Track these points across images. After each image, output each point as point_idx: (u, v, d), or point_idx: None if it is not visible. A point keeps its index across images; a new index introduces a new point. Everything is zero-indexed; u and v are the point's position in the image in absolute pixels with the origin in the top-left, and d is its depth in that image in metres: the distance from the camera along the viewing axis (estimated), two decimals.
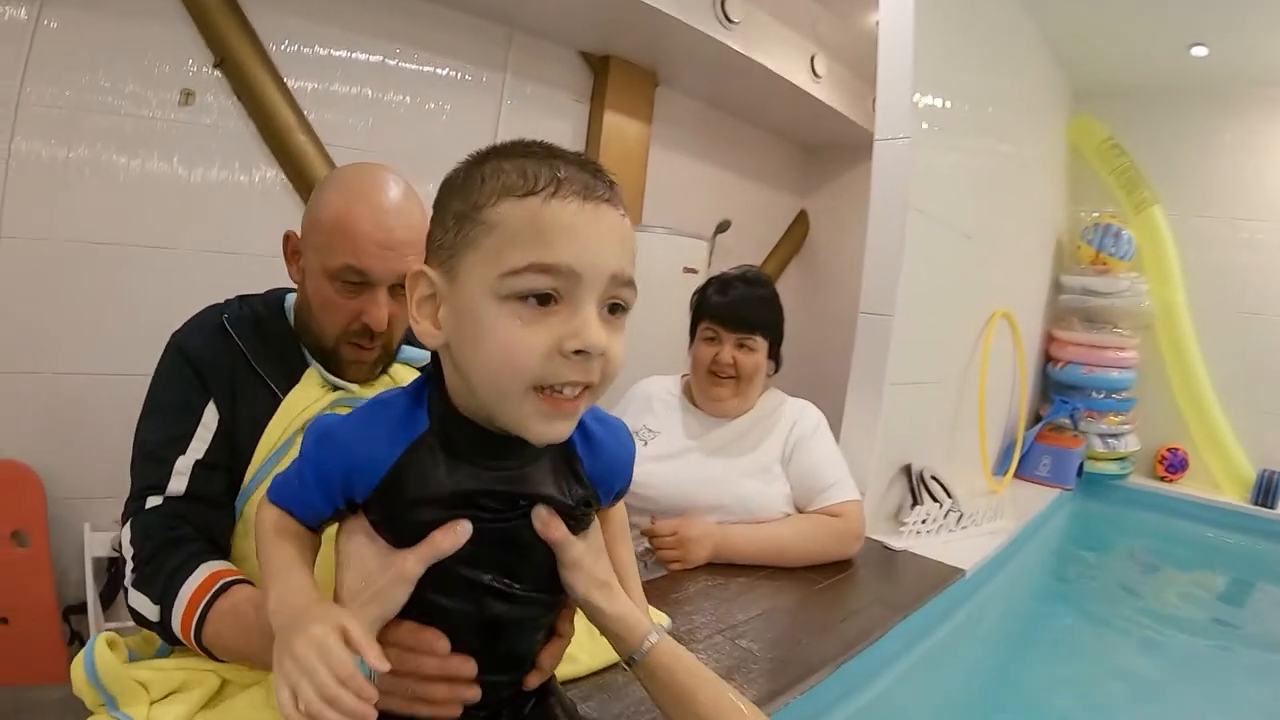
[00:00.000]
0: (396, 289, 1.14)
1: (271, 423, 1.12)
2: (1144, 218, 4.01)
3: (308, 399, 1.15)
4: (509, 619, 0.78)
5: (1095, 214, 4.10)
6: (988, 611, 2.22)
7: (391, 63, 3.35)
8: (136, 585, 1.03)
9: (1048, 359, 4.09)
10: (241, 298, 1.28)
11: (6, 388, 2.59)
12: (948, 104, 2.62)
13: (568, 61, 4.08)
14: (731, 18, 3.75)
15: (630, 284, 0.72)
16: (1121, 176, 4.09)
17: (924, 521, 2.22)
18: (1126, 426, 3.86)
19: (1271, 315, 3.87)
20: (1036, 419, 3.84)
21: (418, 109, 3.45)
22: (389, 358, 1.25)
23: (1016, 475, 3.38)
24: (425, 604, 0.74)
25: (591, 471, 0.83)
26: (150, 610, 1.00)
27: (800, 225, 5.80)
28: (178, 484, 1.08)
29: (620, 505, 0.96)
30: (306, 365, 1.20)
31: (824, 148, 5.71)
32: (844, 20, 4.10)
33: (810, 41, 4.38)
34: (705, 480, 1.82)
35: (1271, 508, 3.58)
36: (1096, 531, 3.60)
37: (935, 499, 2.39)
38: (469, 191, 0.71)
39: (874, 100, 4.74)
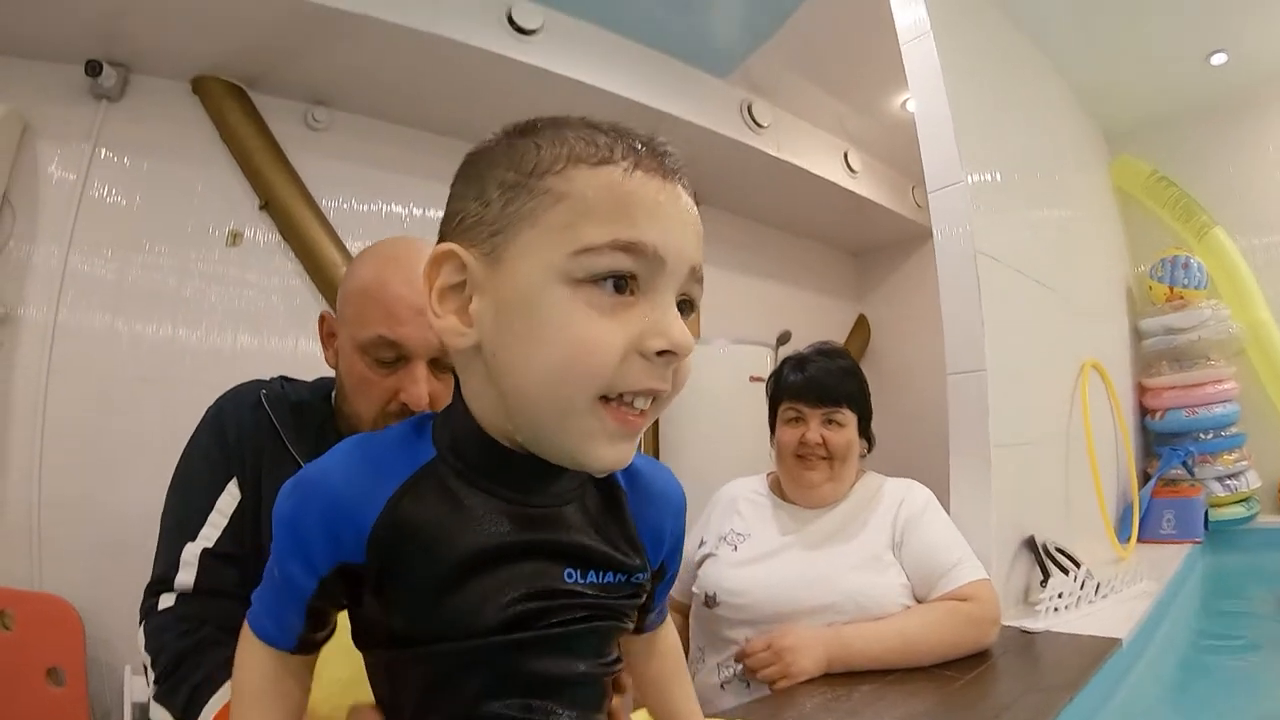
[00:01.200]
0: (437, 363, 1.07)
1: None
2: (1208, 242, 3.85)
3: None
4: None
5: (1159, 252, 3.94)
6: (1145, 687, 1.97)
7: (433, 212, 3.38)
8: (159, 699, 0.97)
9: (1144, 412, 3.86)
10: (285, 378, 1.25)
11: (52, 521, 2.59)
12: (998, 178, 2.56)
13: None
14: (760, 122, 3.79)
15: (702, 280, 0.61)
16: (1175, 207, 3.97)
17: (1060, 595, 2.01)
18: (1243, 463, 3.57)
19: None
20: (1146, 478, 3.58)
21: None
22: None
23: (1141, 538, 3.10)
24: None
25: (640, 520, 0.68)
26: None
27: (861, 330, 5.69)
28: (186, 576, 1.03)
29: (670, 626, 0.82)
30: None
31: (873, 249, 5.67)
32: (871, 113, 4.11)
33: (841, 138, 4.40)
34: (808, 579, 1.63)
35: None
36: (1237, 582, 3.29)
37: (1065, 570, 2.18)
38: (521, 158, 0.59)
39: (914, 189, 4.83)
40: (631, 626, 0.68)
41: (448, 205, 0.64)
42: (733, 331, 4.16)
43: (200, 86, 3.01)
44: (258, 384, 1.19)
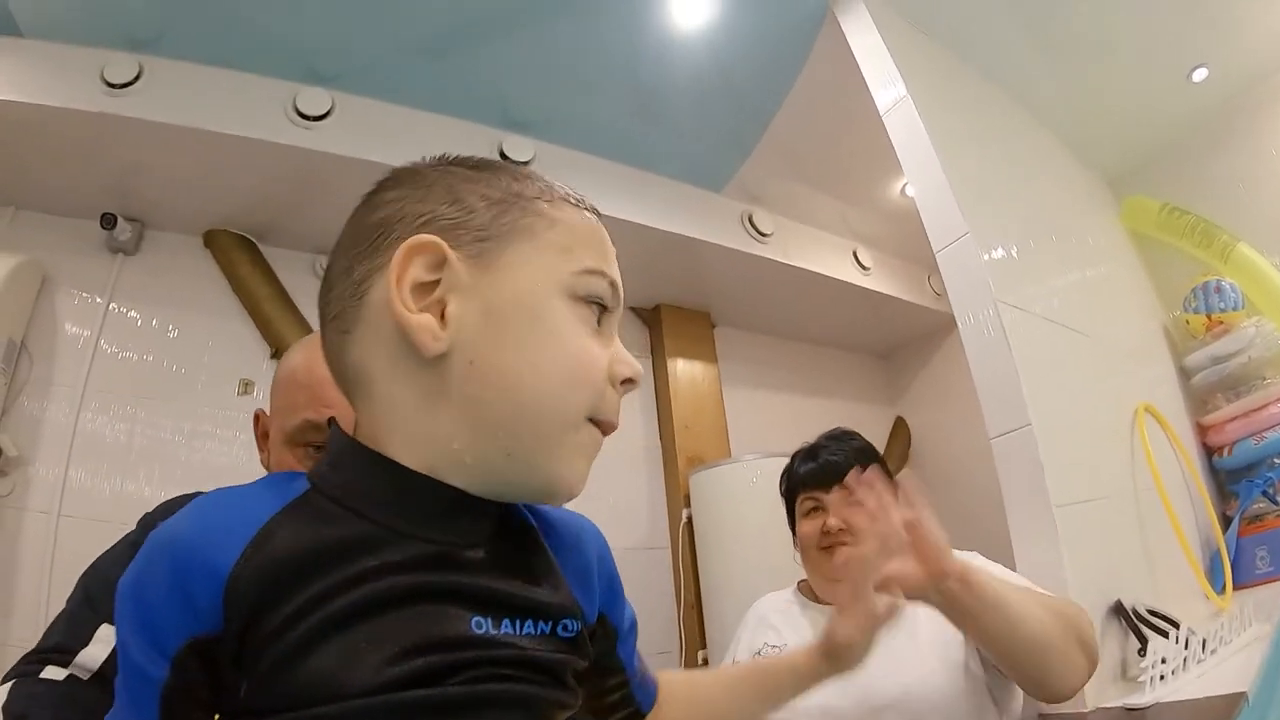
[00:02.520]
0: None
1: None
2: (1235, 260, 3.67)
3: None
4: None
5: (1188, 282, 3.80)
6: None
7: None
8: None
9: (1209, 452, 3.61)
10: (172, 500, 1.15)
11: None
12: (1014, 257, 2.48)
13: (623, 320, 4.11)
14: (763, 230, 3.78)
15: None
16: (1193, 234, 3.81)
17: (1164, 661, 1.78)
18: None
19: None
20: (1227, 521, 3.31)
21: None
22: None
23: (1236, 584, 2.84)
24: None
25: (561, 561, 0.62)
26: None
27: (901, 433, 5.44)
28: (95, 652, 0.88)
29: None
30: None
31: (899, 347, 5.52)
32: (871, 206, 4.08)
33: (847, 237, 4.37)
34: (862, 680, 1.44)
35: None
36: None
37: (1163, 633, 1.96)
38: (505, 180, 0.62)
39: (930, 277, 4.76)
40: (575, 701, 0.57)
41: (389, 207, 0.60)
42: (765, 448, 4.04)
43: (211, 240, 3.13)
44: (140, 522, 1.11)
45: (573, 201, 0.65)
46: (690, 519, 3.76)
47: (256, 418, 1.12)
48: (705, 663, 3.60)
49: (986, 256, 2.22)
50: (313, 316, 2.66)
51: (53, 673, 0.88)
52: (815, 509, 1.64)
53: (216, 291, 3.11)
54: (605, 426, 0.59)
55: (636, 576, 3.75)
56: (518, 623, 0.53)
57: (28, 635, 2.49)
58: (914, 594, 1.15)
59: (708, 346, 4.34)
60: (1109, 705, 1.66)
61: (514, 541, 0.59)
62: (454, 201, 0.59)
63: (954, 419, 5.00)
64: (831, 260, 4.22)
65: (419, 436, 0.55)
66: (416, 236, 0.56)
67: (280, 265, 3.22)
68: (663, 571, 3.89)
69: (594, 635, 0.63)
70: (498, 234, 0.58)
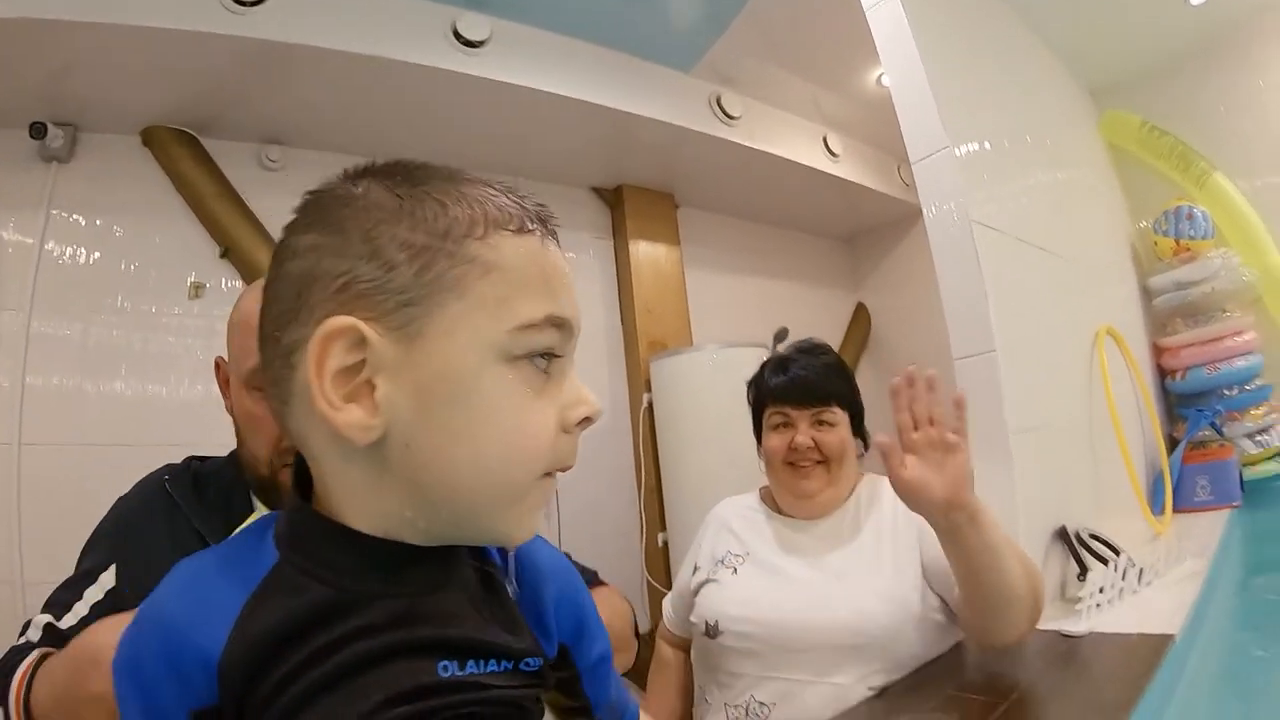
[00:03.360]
0: None
1: None
2: (1209, 189, 3.71)
3: None
4: None
5: (1160, 204, 3.82)
6: (1202, 679, 1.80)
7: None
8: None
9: (1163, 374, 3.72)
10: (195, 457, 1.24)
11: (38, 597, 2.52)
12: (988, 150, 2.43)
13: (581, 200, 4.09)
14: (731, 113, 3.68)
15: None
16: (1171, 157, 3.83)
17: (1101, 590, 1.84)
18: (1273, 416, 3.44)
19: None
20: (1173, 443, 3.42)
21: None
22: None
23: (1175, 509, 2.94)
24: None
25: (521, 598, 0.63)
26: None
27: (861, 319, 5.54)
28: (32, 635, 1.00)
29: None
30: (253, 509, 1.11)
31: (864, 233, 5.53)
32: (845, 93, 3.99)
33: (818, 122, 4.28)
34: (818, 596, 1.48)
35: None
36: None
37: (1103, 560, 2.02)
38: (427, 216, 0.54)
39: (900, 167, 4.70)
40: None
41: (305, 259, 0.54)
42: (725, 335, 4.03)
43: (150, 138, 2.98)
44: (166, 468, 1.16)
45: (512, 229, 0.57)
46: (651, 404, 3.80)
47: (217, 365, 1.14)
48: (665, 545, 3.69)
49: (965, 174, 2.17)
50: (261, 210, 2.74)
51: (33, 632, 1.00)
52: (784, 424, 1.65)
53: (159, 192, 3.01)
54: (563, 470, 0.57)
55: (597, 459, 3.81)
56: (481, 663, 0.55)
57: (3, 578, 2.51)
58: (923, 508, 1.19)
59: (670, 228, 4.31)
60: (1045, 628, 1.70)
61: (480, 578, 0.60)
62: (372, 256, 0.53)
63: (914, 306, 5.11)
64: (801, 146, 4.17)
65: (370, 508, 0.54)
66: (330, 322, 0.52)
67: (225, 159, 3.10)
68: (624, 455, 3.95)
69: (556, 668, 0.64)
70: (421, 296, 0.52)
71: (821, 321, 5.29)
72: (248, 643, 0.50)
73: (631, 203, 4.11)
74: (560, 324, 0.56)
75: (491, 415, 0.52)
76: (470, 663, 0.55)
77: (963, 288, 2.10)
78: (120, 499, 1.14)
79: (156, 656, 0.51)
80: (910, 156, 2.23)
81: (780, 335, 4.51)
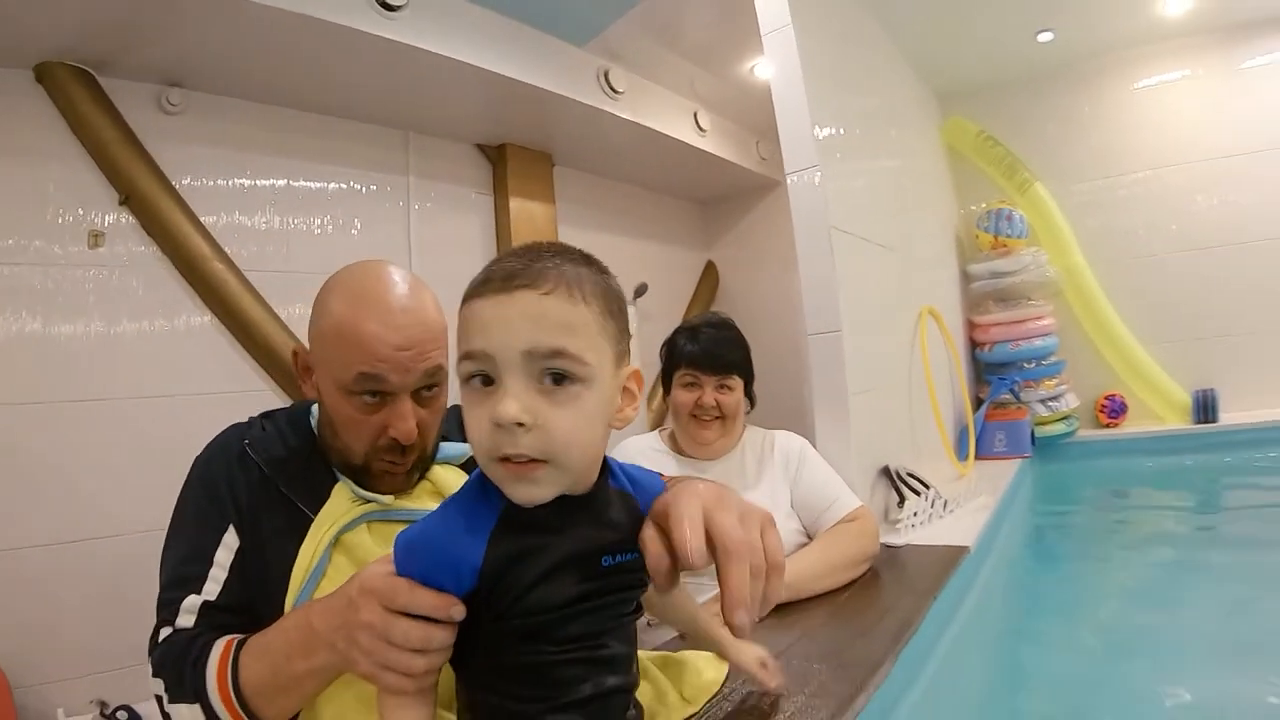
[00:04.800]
0: (421, 393, 1.10)
1: (304, 544, 1.06)
2: (1029, 196, 4.37)
3: (336, 512, 1.09)
4: (627, 683, 0.85)
5: (985, 204, 4.43)
6: (995, 584, 2.34)
7: (297, 183, 3.39)
8: (175, 702, 0.97)
9: (974, 345, 4.34)
10: (265, 415, 1.23)
11: None
12: (841, 132, 2.80)
13: (466, 156, 4.18)
14: (616, 88, 3.92)
15: (558, 354, 0.74)
16: (1000, 164, 4.45)
17: (915, 514, 2.35)
18: (1063, 387, 4.12)
19: (1165, 254, 4.32)
20: (979, 403, 4.05)
21: (330, 224, 3.49)
22: (425, 463, 1.17)
23: (977, 456, 3.55)
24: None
25: (646, 506, 0.88)
26: (197, 715, 0.95)
27: (710, 276, 5.97)
28: (185, 621, 1.03)
29: None
30: (336, 479, 1.13)
31: (719, 199, 5.93)
32: (719, 74, 4.30)
33: (692, 100, 4.58)
34: None
35: (1214, 421, 3.92)
36: (1064, 488, 3.88)
37: (916, 492, 2.50)
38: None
39: (758, 143, 5.11)
40: (644, 586, 0.87)
41: None
42: None
43: (45, 75, 2.76)
44: (238, 431, 1.18)
45: (466, 299, 0.79)
46: None
47: (295, 354, 1.18)
48: None
49: (828, 189, 2.55)
50: (159, 154, 2.85)
51: (165, 633, 1.04)
52: (692, 384, 1.98)
53: (55, 133, 2.79)
54: (514, 460, 0.75)
55: None
56: (621, 555, 0.83)
57: None
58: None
59: (546, 188, 4.49)
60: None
61: (616, 501, 0.86)
62: None
63: (758, 265, 5.66)
64: (674, 120, 4.45)
65: None
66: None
67: (123, 100, 2.91)
68: None
69: None
70: None
71: (676, 277, 5.68)
72: (498, 557, 0.75)
73: (514, 161, 4.27)
74: (469, 355, 0.75)
75: (466, 418, 0.77)
76: (620, 555, 0.83)
77: (819, 279, 2.49)
78: (203, 466, 1.15)
79: (437, 558, 0.76)
80: (786, 168, 2.59)
81: (640, 290, 4.87)
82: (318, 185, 3.46)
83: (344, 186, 3.56)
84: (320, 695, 0.95)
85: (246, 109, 3.29)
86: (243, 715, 0.93)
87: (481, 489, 0.80)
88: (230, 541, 1.07)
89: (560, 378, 0.74)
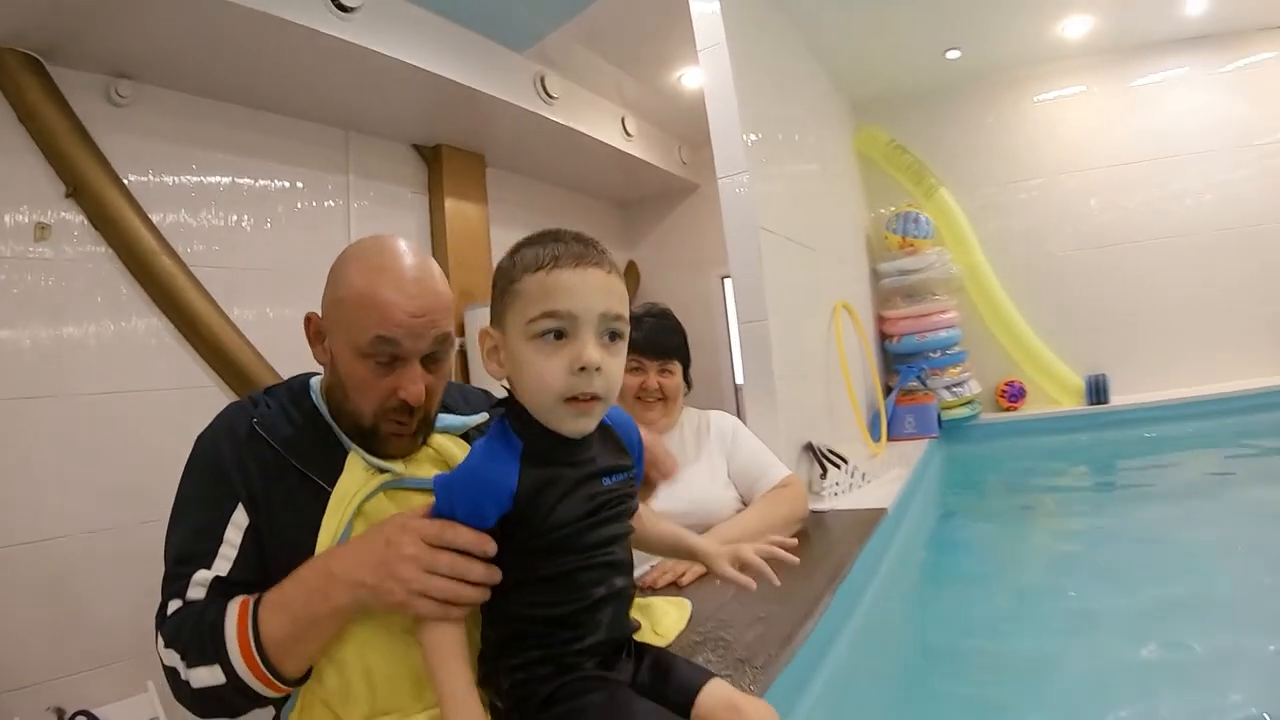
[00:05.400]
0: (429, 359, 1.16)
1: (326, 515, 1.09)
2: (935, 201, 4.74)
3: (355, 484, 1.12)
4: (628, 585, 1.04)
5: (894, 207, 4.80)
6: (911, 547, 2.65)
7: (241, 180, 3.41)
8: (193, 667, 0.99)
9: (884, 337, 4.68)
10: (266, 393, 1.25)
11: None
12: (765, 138, 3.05)
13: (403, 156, 4.28)
14: (552, 94, 4.08)
15: (620, 318, 0.95)
16: (908, 171, 4.81)
17: (837, 484, 2.62)
18: (966, 374, 4.50)
19: (1060, 253, 4.83)
20: (889, 389, 4.37)
21: (272, 222, 3.51)
22: (428, 427, 1.23)
23: (889, 438, 3.87)
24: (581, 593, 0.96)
25: (625, 440, 1.08)
26: (217, 676, 0.98)
27: (631, 274, 6.16)
28: (196, 594, 1.04)
29: None
30: (345, 450, 1.16)
31: (640, 201, 6.16)
32: (650, 84, 4.51)
33: (619, 105, 4.77)
34: (665, 491, 2.05)
35: (1105, 402, 4.41)
36: (969, 466, 4.27)
37: (837, 466, 2.76)
38: (509, 271, 0.96)
39: (681, 148, 5.36)
40: (635, 505, 1.08)
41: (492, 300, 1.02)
42: None
43: None
44: (242, 411, 1.20)
45: (531, 270, 0.93)
46: (464, 348, 4.21)
47: (309, 319, 1.21)
48: None
49: (755, 193, 2.80)
50: (109, 145, 2.91)
51: (174, 605, 1.04)
52: (636, 369, 2.14)
53: (2, 123, 2.76)
54: (580, 396, 0.92)
55: None
56: (617, 476, 1.01)
57: None
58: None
59: (479, 189, 4.59)
60: None
61: (604, 436, 1.03)
62: (495, 296, 0.99)
63: (677, 266, 5.93)
64: (604, 125, 4.64)
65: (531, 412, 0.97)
66: (482, 329, 1.00)
67: (71, 90, 2.90)
68: None
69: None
70: (503, 311, 0.96)
71: None
72: (527, 483, 0.92)
73: (449, 162, 4.38)
74: (554, 314, 0.90)
75: (525, 367, 0.92)
76: (614, 475, 1.02)
77: (748, 274, 2.74)
78: (209, 446, 1.16)
79: (481, 485, 0.92)
80: (718, 172, 2.81)
81: None
82: (262, 183, 3.50)
83: (287, 185, 3.60)
84: (355, 651, 1.03)
85: (194, 104, 3.29)
86: (264, 670, 0.98)
87: (502, 436, 0.96)
88: (240, 520, 1.08)
89: (615, 335, 0.95)
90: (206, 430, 1.18)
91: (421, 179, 4.39)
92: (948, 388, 4.39)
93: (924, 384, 4.33)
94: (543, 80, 4.05)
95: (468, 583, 0.93)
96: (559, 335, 0.91)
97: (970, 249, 4.75)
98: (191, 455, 1.16)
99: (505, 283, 0.96)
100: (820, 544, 2.03)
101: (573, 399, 0.92)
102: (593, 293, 0.93)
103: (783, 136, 3.31)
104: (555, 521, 0.93)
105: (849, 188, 4.71)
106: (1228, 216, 4.63)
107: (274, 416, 1.17)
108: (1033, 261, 4.85)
